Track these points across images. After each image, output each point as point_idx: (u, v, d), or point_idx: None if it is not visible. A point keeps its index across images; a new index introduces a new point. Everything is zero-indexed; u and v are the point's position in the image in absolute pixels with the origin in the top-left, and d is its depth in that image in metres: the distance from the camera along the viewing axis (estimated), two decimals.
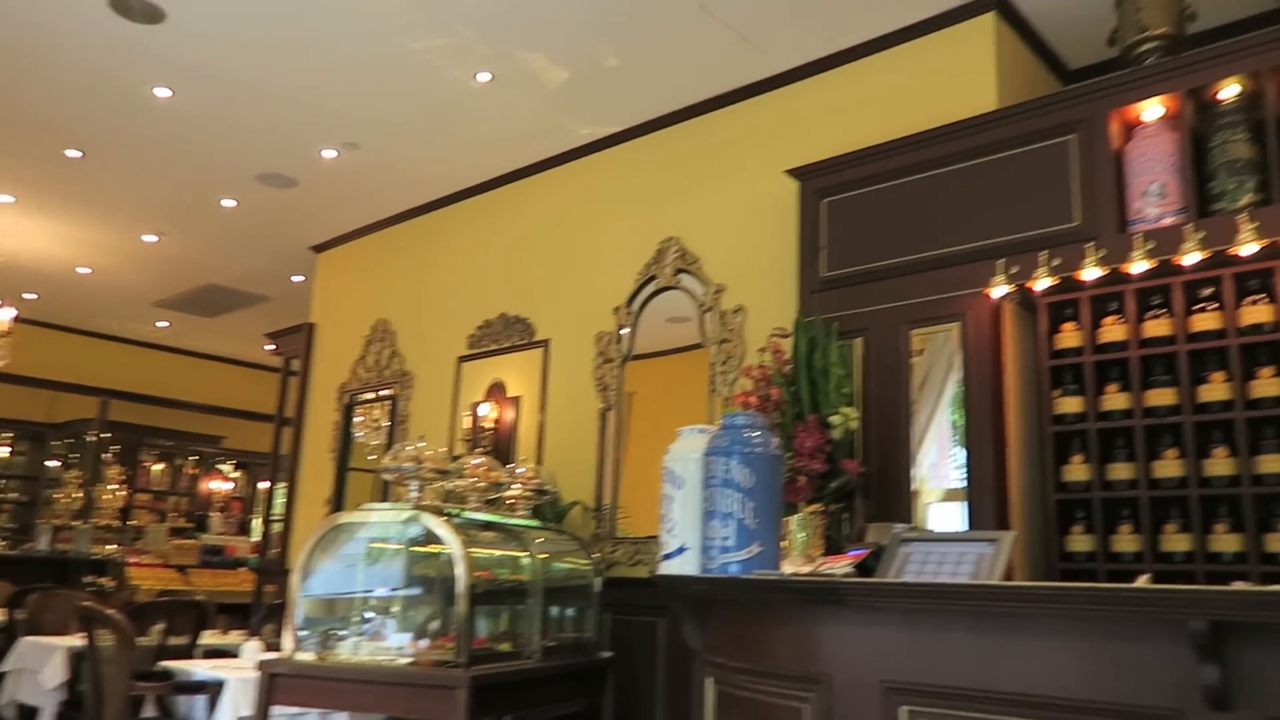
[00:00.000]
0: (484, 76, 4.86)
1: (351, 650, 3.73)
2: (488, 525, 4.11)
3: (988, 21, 4.01)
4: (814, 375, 3.66)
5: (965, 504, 3.53)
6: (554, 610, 4.29)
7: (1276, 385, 3.09)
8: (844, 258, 3.99)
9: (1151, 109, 3.38)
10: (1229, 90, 3.27)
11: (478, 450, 5.41)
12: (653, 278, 5.06)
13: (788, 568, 2.84)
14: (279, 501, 7.36)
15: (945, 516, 3.61)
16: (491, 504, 4.29)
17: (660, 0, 4.15)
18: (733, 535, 2.54)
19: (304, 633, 3.81)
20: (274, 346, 8.02)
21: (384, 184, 6.29)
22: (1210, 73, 3.26)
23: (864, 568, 2.65)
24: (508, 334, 5.78)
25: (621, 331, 5.14)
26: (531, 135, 5.50)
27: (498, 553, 4.09)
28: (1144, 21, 3.48)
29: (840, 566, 2.59)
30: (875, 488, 3.70)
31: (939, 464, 3.69)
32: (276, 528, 7.28)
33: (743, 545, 2.53)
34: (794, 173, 4.20)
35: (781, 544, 3.67)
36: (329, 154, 5.86)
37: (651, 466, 3.17)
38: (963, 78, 4.04)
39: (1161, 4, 3.48)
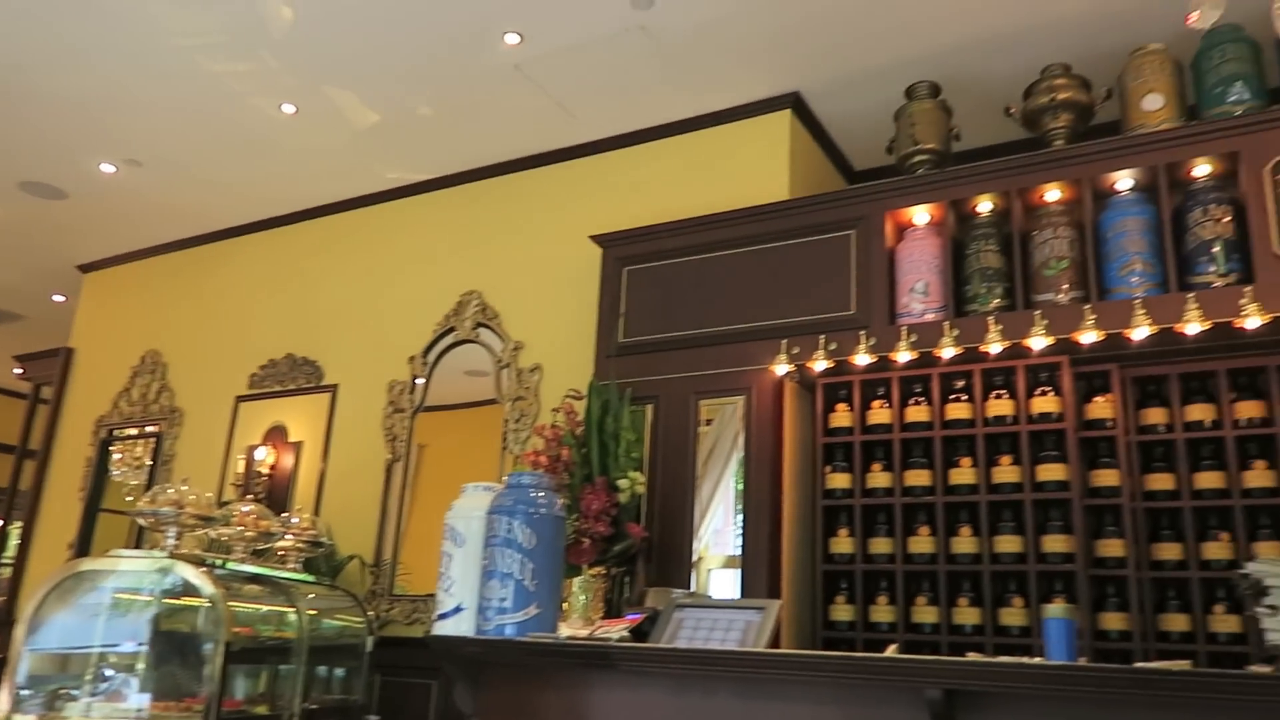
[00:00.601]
0: (288, 108, 4.70)
1: (83, 712, 3.37)
2: (253, 578, 3.86)
3: (785, 118, 4.31)
4: (605, 439, 3.72)
5: (740, 571, 3.66)
6: (321, 670, 4.06)
7: (1014, 472, 3.43)
8: (641, 325, 4.10)
9: (920, 214, 3.73)
10: (984, 205, 3.67)
11: (249, 497, 5.09)
12: (451, 329, 5.00)
13: (566, 630, 2.84)
14: (12, 543, 6.60)
15: (726, 582, 3.73)
16: (260, 555, 4.03)
17: (477, 56, 4.19)
18: (511, 596, 2.51)
19: (27, 692, 3.41)
20: (22, 370, 7.26)
21: (168, 206, 5.89)
22: (969, 188, 3.65)
23: (639, 632, 2.69)
24: (294, 376, 5.51)
25: (416, 381, 5.02)
26: (335, 173, 5.34)
27: (263, 608, 3.84)
28: (917, 136, 3.85)
29: (616, 630, 2.62)
30: (658, 552, 3.78)
31: (723, 531, 3.82)
32: (6, 572, 6.51)
33: (520, 606, 2.51)
34: (598, 239, 4.31)
35: (562, 606, 3.69)
36: (107, 168, 5.44)
37: (439, 522, 3.09)
38: (760, 166, 4.30)
39: (932, 122, 3.88)
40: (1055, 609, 2.04)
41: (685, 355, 3.96)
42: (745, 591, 3.61)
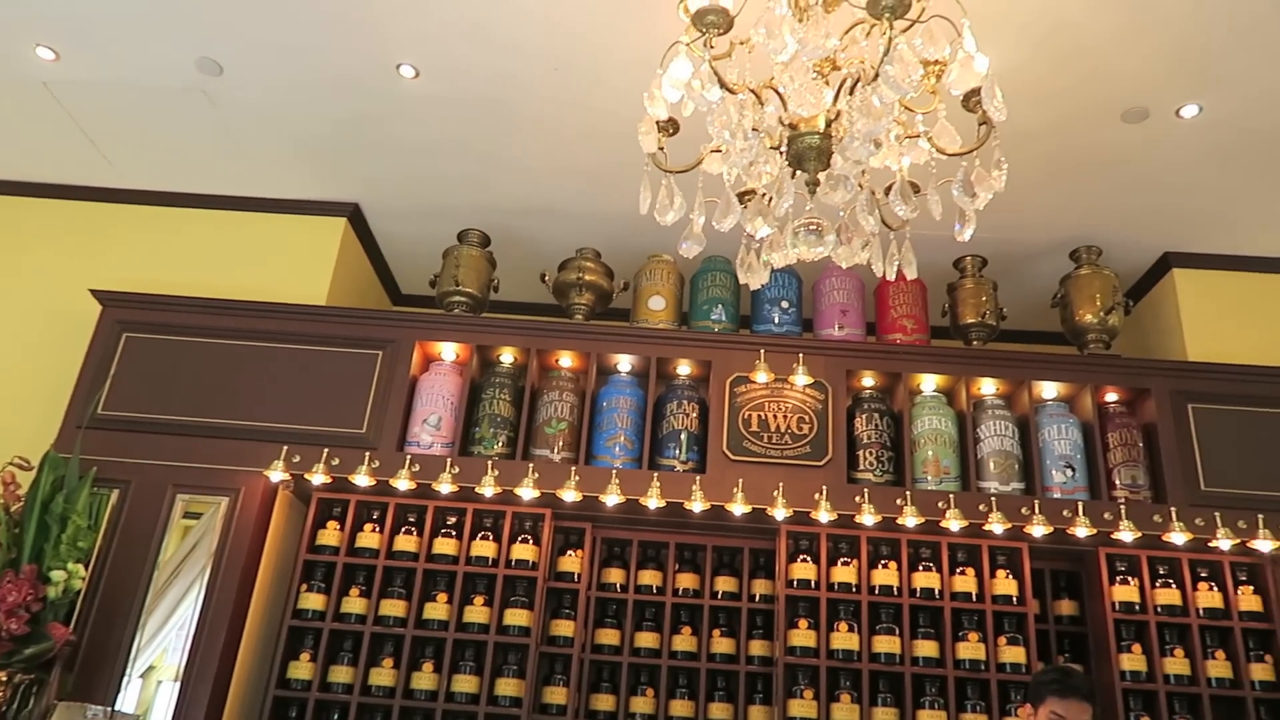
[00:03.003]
0: None
1: None
2: None
3: (340, 225, 4.26)
4: (49, 520, 3.25)
5: (179, 687, 3.32)
6: None
7: (484, 614, 3.56)
8: (129, 400, 3.69)
9: (449, 351, 3.88)
10: (506, 356, 3.93)
11: None
12: None
13: None
14: None
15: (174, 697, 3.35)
16: None
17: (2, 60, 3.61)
18: None
19: None
20: None
21: None
22: (496, 337, 3.88)
23: None
24: None
25: None
26: None
27: None
28: (460, 278, 4.03)
29: None
30: (88, 660, 3.31)
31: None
32: None
33: None
34: (100, 295, 3.85)
35: None
36: None
37: None
38: (305, 265, 4.17)
39: (476, 269, 4.09)
40: None
41: (173, 442, 3.62)
42: (183, 711, 3.28)
